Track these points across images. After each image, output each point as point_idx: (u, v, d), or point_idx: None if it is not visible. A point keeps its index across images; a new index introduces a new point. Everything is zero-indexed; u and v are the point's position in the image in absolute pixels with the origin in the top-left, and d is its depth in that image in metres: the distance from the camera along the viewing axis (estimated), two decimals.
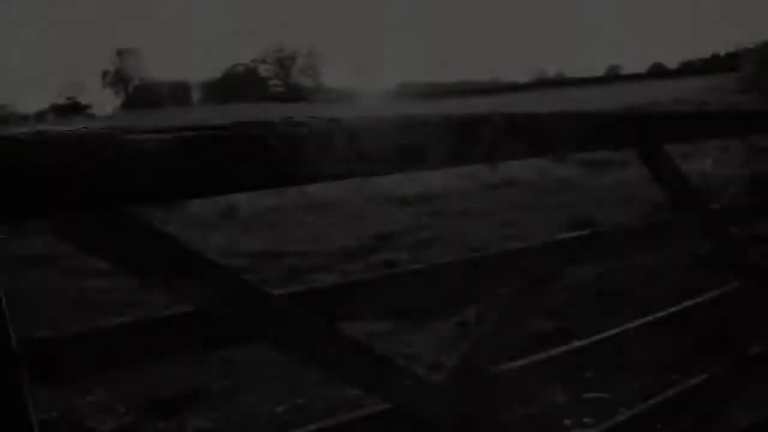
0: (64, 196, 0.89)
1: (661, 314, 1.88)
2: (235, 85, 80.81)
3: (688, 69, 73.08)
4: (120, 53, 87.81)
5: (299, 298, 1.12)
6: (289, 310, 1.10)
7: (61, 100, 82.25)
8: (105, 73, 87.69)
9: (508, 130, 1.36)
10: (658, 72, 76.95)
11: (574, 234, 1.60)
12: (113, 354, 0.99)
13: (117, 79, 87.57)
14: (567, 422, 3.01)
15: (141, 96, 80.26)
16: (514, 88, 67.69)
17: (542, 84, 72.38)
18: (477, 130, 1.31)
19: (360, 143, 1.14)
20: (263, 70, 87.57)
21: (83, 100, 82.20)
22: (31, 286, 5.67)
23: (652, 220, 1.85)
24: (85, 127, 0.93)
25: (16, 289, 1.02)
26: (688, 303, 1.97)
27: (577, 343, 1.64)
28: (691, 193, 1.93)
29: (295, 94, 68.77)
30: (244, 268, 6.44)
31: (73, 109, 74.02)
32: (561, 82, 71.91)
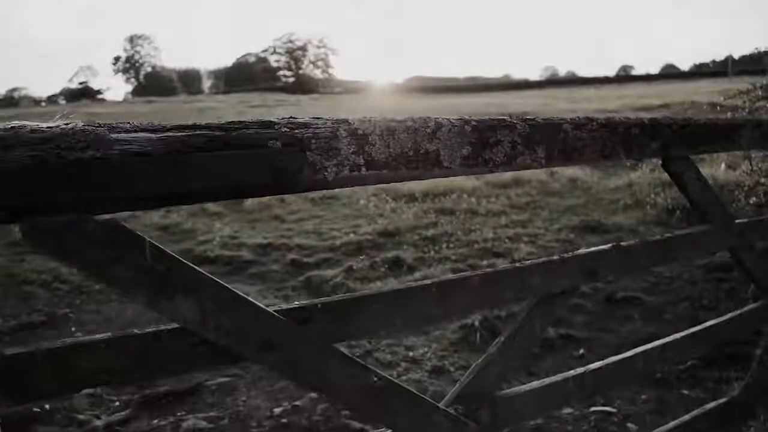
0: (38, 200, 0.80)
1: (682, 334, 1.77)
2: (246, 74, 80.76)
3: (701, 71, 72.52)
4: (132, 40, 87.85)
5: (295, 314, 1.03)
6: (284, 328, 1.00)
7: (73, 85, 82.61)
8: (116, 59, 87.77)
9: (529, 136, 1.26)
10: (670, 73, 76.39)
11: (594, 249, 1.50)
12: (95, 372, 0.90)
13: (128, 66, 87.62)
14: None
15: (152, 83, 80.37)
16: (526, 86, 67.30)
17: (553, 82, 71.96)
18: (496, 136, 1.21)
19: (369, 148, 1.04)
20: (274, 61, 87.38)
21: (95, 86, 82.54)
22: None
23: (676, 234, 1.74)
24: (66, 124, 0.84)
25: None
26: (711, 322, 1.87)
27: (591, 366, 1.55)
28: (716, 206, 1.83)
29: (305, 86, 68.62)
30: (247, 260, 6.38)
31: (84, 94, 74.25)
32: (572, 81, 71.46)
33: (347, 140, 1.02)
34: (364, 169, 1.03)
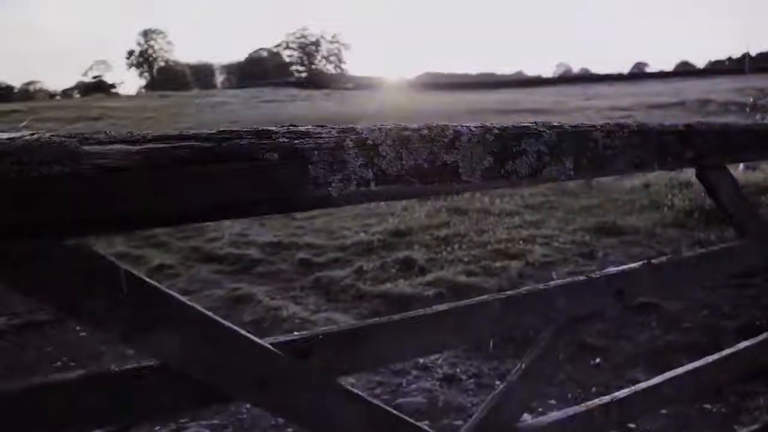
0: None
1: (714, 358, 1.64)
2: (259, 69, 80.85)
3: (717, 68, 71.69)
4: (146, 34, 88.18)
5: (293, 347, 0.91)
6: (281, 363, 0.89)
7: (87, 79, 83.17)
8: (130, 54, 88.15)
9: (556, 145, 1.14)
10: (685, 70, 75.58)
11: (623, 267, 1.38)
12: (68, 416, 0.80)
13: (142, 60, 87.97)
14: None
15: (165, 77, 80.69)
16: (538, 82, 66.82)
17: (566, 79, 71.40)
18: (520, 145, 1.09)
19: (379, 160, 0.92)
20: (287, 56, 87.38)
21: (109, 80, 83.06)
22: None
23: (710, 250, 1.62)
24: (31, 135, 0.73)
25: None
26: (745, 344, 1.74)
27: (618, 395, 1.42)
28: (754, 218, 1.69)
29: (317, 81, 68.54)
30: (256, 258, 6.29)
31: (98, 87, 74.72)
32: (586, 78, 70.87)
33: (354, 151, 0.90)
34: (373, 183, 0.92)
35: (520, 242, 6.43)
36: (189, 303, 0.82)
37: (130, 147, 0.75)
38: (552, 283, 1.24)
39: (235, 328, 0.85)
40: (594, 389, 3.36)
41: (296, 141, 0.85)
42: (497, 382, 3.43)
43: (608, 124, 1.27)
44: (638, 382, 3.69)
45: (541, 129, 1.13)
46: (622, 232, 6.85)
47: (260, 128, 0.84)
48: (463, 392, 3.31)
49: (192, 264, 6.17)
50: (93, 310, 0.76)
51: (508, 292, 1.17)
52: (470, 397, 3.27)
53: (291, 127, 0.88)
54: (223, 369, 0.84)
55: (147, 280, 0.78)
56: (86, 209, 0.73)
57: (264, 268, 6.00)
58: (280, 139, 0.84)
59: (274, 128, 0.86)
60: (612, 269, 1.37)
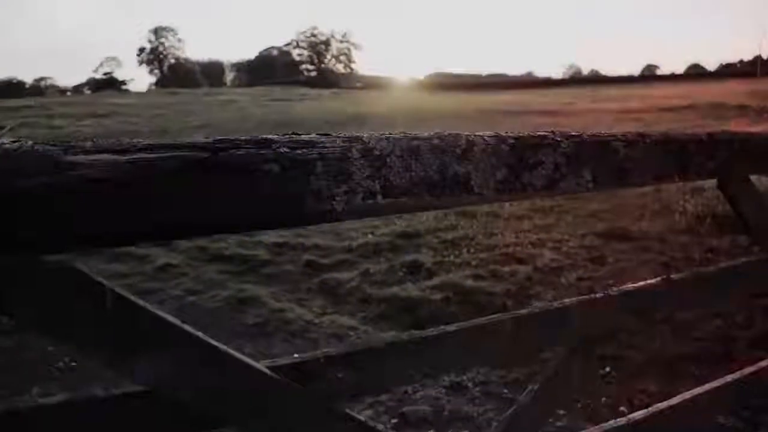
0: None
1: (736, 376, 1.57)
2: (268, 68, 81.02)
3: (727, 71, 71.17)
4: (156, 31, 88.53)
5: (292, 369, 0.85)
6: (279, 387, 0.83)
7: (98, 75, 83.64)
8: (141, 51, 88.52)
9: (574, 156, 1.08)
10: (696, 73, 75.06)
11: (641, 283, 1.31)
12: None
13: (152, 57, 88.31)
14: None
15: (175, 75, 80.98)
16: (548, 84, 66.57)
17: (576, 81, 71.08)
18: (537, 156, 1.03)
19: (387, 171, 0.87)
20: (296, 55, 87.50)
21: (119, 76, 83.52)
22: None
23: (731, 264, 1.55)
24: (12, 142, 0.68)
25: None
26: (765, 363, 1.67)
27: (634, 416, 1.36)
28: None
29: (327, 80, 68.59)
30: (263, 259, 6.24)
31: (109, 84, 75.12)
32: (595, 80, 70.55)
33: (361, 162, 0.84)
34: (380, 196, 0.86)
35: (529, 246, 6.35)
36: (180, 324, 0.76)
37: (118, 157, 0.69)
38: (567, 300, 1.18)
39: (230, 350, 0.80)
40: (604, 399, 3.30)
41: (298, 151, 0.80)
42: (505, 390, 3.37)
43: (629, 133, 1.21)
44: (649, 392, 3.62)
45: (559, 139, 1.07)
46: (633, 237, 6.75)
47: (259, 137, 0.79)
48: (470, 401, 3.24)
49: (198, 264, 6.13)
50: (76, 332, 0.70)
51: (522, 311, 1.11)
52: (477, 406, 3.21)
53: (293, 136, 0.82)
54: (217, 394, 0.79)
55: (134, 299, 0.73)
56: (68, 223, 0.68)
57: (271, 269, 5.95)
58: (280, 149, 0.79)
59: (274, 137, 0.80)
60: (630, 285, 1.31)
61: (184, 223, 0.73)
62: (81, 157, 0.69)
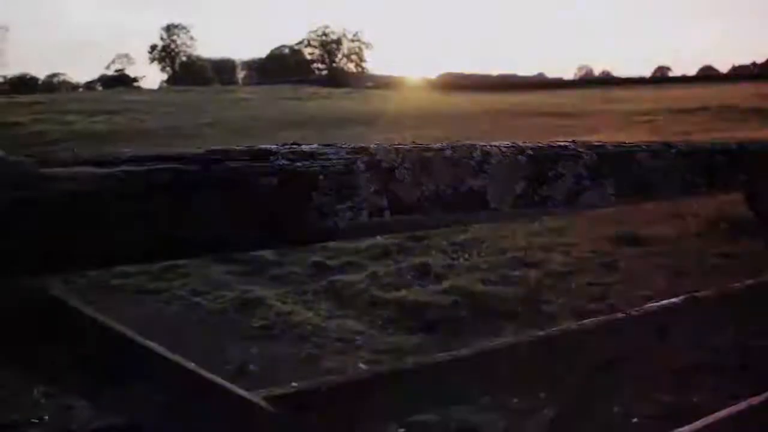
0: None
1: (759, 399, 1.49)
2: (280, 66, 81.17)
3: (740, 73, 70.51)
4: (168, 29, 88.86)
5: (289, 401, 0.79)
6: (274, 421, 0.77)
7: (110, 72, 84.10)
8: (153, 48, 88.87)
9: (596, 168, 1.01)
10: (709, 75, 74.41)
11: (664, 302, 1.24)
12: None
13: (164, 55, 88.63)
14: None
15: (187, 72, 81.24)
16: (560, 84, 66.25)
17: (588, 82, 70.68)
18: (557, 168, 0.96)
19: (395, 185, 0.80)
20: (308, 53, 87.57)
21: (131, 73, 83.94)
22: None
23: (759, 281, 1.47)
24: None
25: None
26: None
27: None
28: None
29: (338, 79, 68.63)
30: (269, 260, 6.18)
31: (121, 81, 75.52)
32: (607, 81, 70.13)
33: (367, 176, 0.77)
34: (387, 213, 0.79)
35: (539, 250, 6.27)
36: (166, 354, 0.70)
37: (98, 170, 0.63)
38: (587, 321, 1.10)
39: (221, 381, 0.73)
40: (617, 409, 3.22)
41: (298, 163, 0.73)
42: (515, 400, 3.29)
43: (654, 143, 1.14)
44: (662, 403, 3.53)
45: (581, 149, 1.00)
46: (645, 241, 6.65)
47: (256, 148, 0.72)
48: (478, 412, 3.17)
49: (204, 264, 6.09)
50: (53, 363, 0.64)
51: (539, 334, 1.03)
52: (486, 415, 3.13)
53: (293, 147, 0.75)
54: (206, 430, 0.72)
55: (116, 327, 0.67)
56: (45, 243, 0.61)
57: (277, 270, 5.90)
58: (279, 161, 0.72)
59: (272, 147, 0.73)
60: (653, 305, 1.23)
61: (174, 242, 0.66)
62: (58, 171, 0.62)
